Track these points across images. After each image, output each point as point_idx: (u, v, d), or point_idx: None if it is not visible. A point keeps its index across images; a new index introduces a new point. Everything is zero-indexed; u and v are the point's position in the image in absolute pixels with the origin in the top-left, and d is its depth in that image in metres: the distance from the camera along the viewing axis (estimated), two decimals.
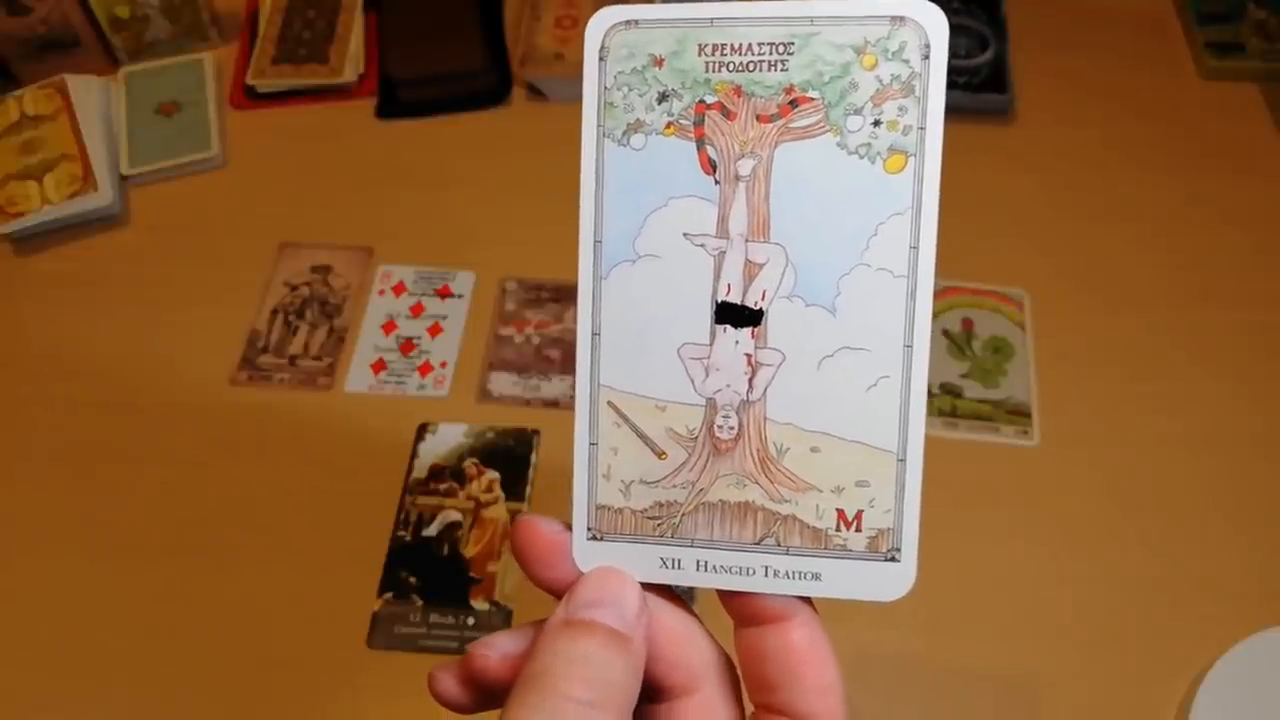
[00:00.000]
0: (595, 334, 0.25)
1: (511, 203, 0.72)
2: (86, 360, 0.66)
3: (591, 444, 0.25)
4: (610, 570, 0.25)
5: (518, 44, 0.79)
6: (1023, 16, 0.79)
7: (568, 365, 0.64)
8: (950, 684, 0.53)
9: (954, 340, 0.64)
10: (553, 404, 0.63)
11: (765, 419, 0.24)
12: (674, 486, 0.25)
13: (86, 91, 0.75)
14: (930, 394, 0.61)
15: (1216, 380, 0.63)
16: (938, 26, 0.23)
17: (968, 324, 0.65)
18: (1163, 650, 0.54)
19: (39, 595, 0.57)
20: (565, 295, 0.67)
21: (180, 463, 0.61)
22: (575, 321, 0.25)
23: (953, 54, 0.74)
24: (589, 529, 0.25)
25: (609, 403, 0.25)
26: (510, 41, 0.80)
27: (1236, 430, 0.61)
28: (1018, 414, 0.61)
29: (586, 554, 0.25)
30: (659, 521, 0.25)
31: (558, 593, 0.25)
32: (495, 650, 0.25)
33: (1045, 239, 0.69)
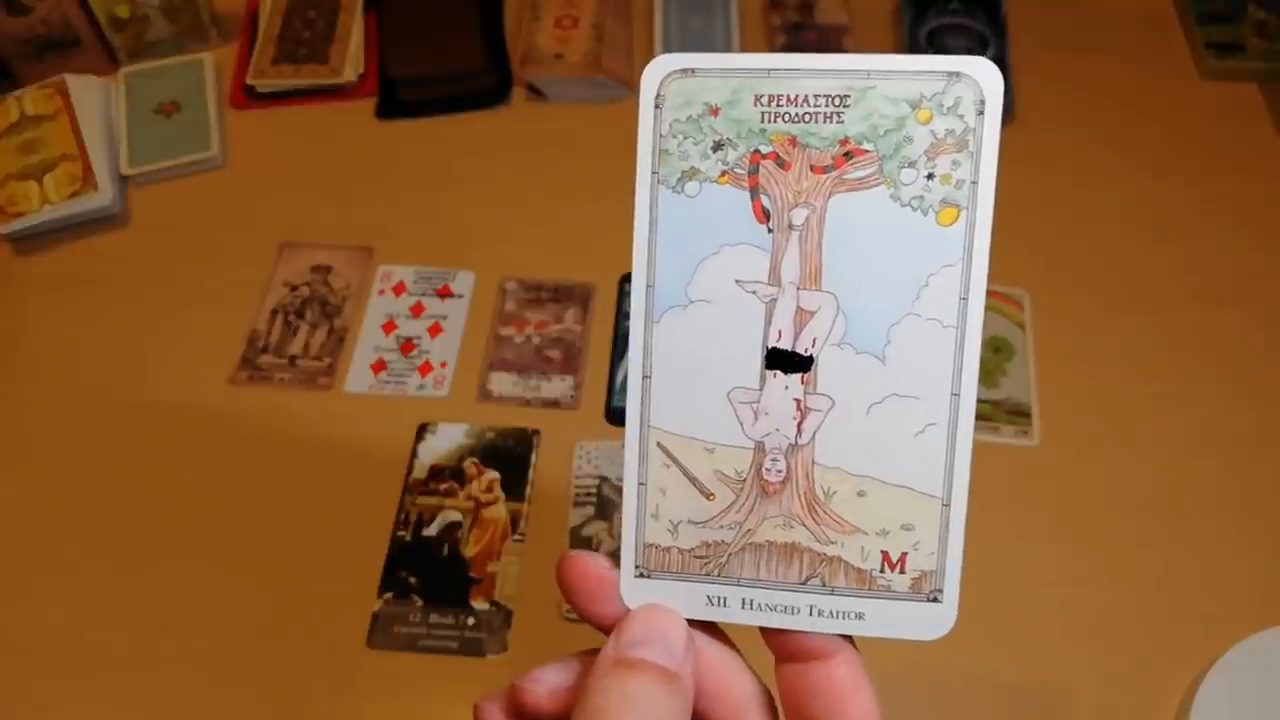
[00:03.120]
0: (646, 377, 0.26)
1: (511, 203, 0.72)
2: (86, 360, 0.66)
3: (641, 484, 0.26)
4: (658, 608, 0.25)
5: (518, 44, 0.79)
6: (1023, 16, 0.79)
7: (568, 365, 0.64)
8: (950, 684, 0.53)
9: None
10: (553, 404, 0.63)
11: (813, 463, 0.25)
12: (722, 527, 0.25)
13: (86, 91, 0.75)
14: None
15: (1216, 380, 0.63)
16: (993, 83, 0.23)
17: None
18: (1163, 650, 0.53)
19: (39, 595, 0.57)
20: (565, 295, 0.67)
21: (180, 463, 0.61)
22: (623, 352, 0.26)
23: (953, 54, 0.74)
24: (637, 566, 0.26)
25: (659, 444, 0.26)
26: (510, 41, 0.80)
27: (1236, 430, 0.61)
28: (1018, 414, 0.61)
29: (634, 591, 0.26)
30: (706, 561, 0.26)
31: (605, 627, 0.25)
32: (543, 684, 0.25)
33: (1045, 239, 0.69)
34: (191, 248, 0.71)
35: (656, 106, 0.25)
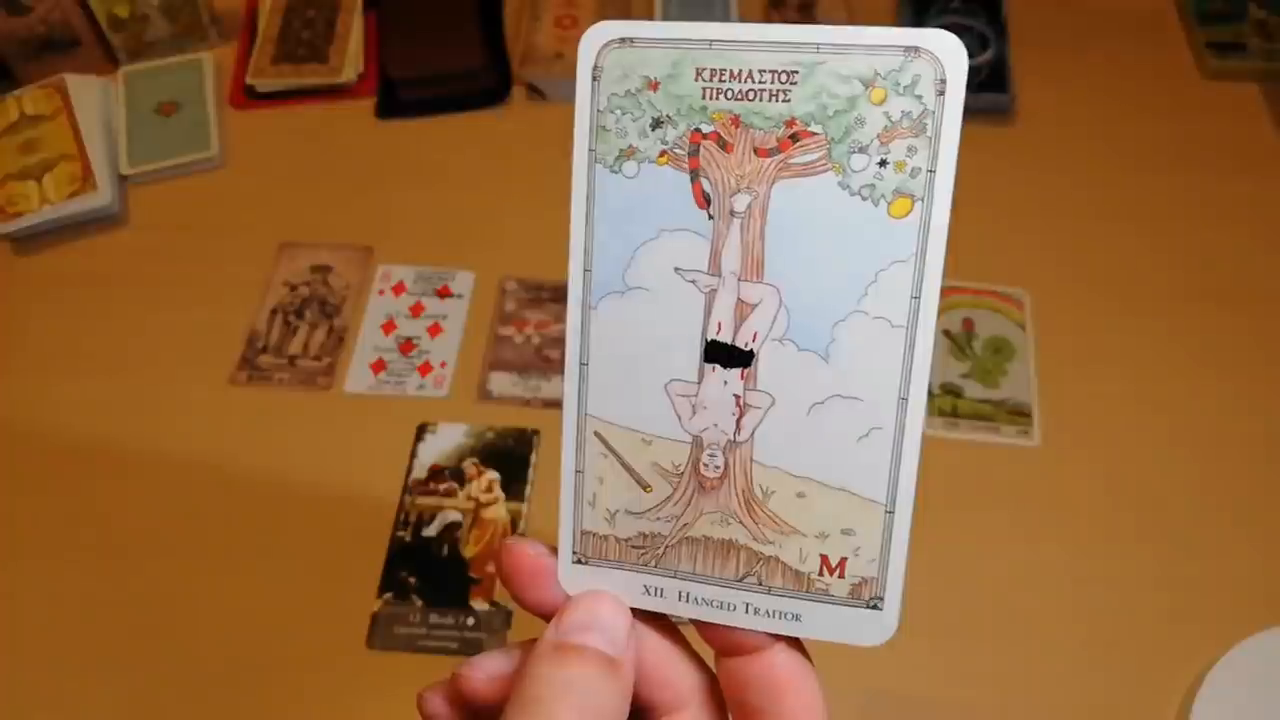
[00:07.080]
0: (583, 364, 0.25)
1: (511, 203, 0.72)
2: (86, 360, 0.66)
3: (577, 471, 0.25)
4: (600, 594, 0.25)
5: (518, 44, 0.79)
6: (1023, 16, 0.79)
7: None
8: (950, 684, 0.53)
9: (954, 340, 0.64)
10: (553, 404, 0.62)
11: (752, 461, 0.24)
12: (658, 519, 0.25)
13: (86, 91, 0.75)
14: (930, 394, 0.61)
15: (1216, 380, 0.63)
16: (956, 60, 0.21)
17: (968, 324, 0.65)
18: (1163, 650, 0.53)
19: (38, 595, 0.57)
20: (565, 295, 0.67)
21: (180, 463, 0.61)
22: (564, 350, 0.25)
23: None
24: (574, 553, 0.25)
25: (596, 433, 0.25)
26: (510, 41, 0.80)
27: (1237, 430, 0.61)
28: (1018, 414, 0.61)
29: (572, 577, 0.25)
30: (643, 551, 0.25)
31: (544, 615, 0.25)
32: (482, 671, 0.25)
33: (1045, 239, 0.69)
34: (191, 248, 0.71)
35: (594, 79, 0.23)
